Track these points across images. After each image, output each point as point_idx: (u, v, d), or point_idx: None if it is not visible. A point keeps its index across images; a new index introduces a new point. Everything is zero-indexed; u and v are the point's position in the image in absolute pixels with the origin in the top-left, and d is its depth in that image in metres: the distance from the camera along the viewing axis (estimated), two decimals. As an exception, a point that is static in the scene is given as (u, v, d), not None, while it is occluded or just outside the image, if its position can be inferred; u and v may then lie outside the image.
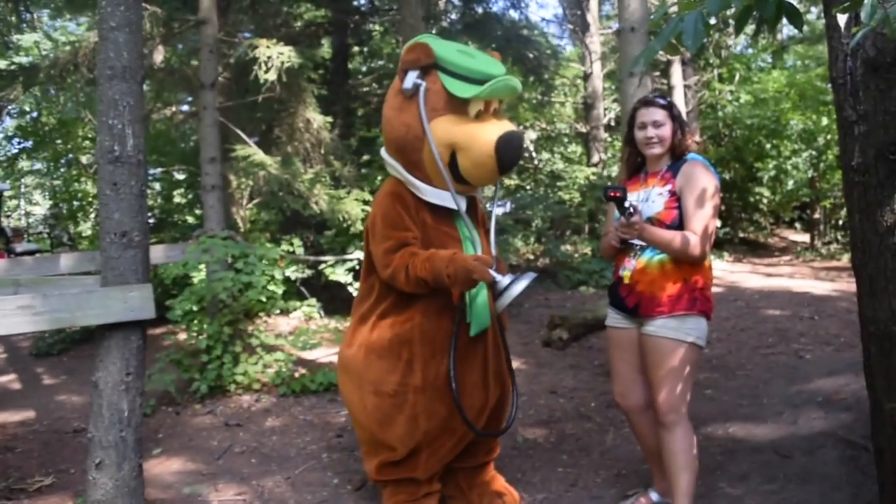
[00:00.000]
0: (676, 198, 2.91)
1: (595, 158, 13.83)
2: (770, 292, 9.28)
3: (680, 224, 2.90)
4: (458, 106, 2.82)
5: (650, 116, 2.98)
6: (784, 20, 1.94)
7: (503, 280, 2.84)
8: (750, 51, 17.09)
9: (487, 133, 2.78)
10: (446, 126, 2.81)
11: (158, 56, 8.64)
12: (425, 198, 2.91)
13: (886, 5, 2.06)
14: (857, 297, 3.07)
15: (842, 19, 2.81)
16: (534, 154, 15.14)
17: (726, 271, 11.78)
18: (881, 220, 2.85)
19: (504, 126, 2.83)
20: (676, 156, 3.02)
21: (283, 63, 6.87)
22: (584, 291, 9.77)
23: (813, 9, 14.32)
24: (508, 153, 2.78)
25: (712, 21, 2.21)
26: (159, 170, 10.98)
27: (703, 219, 2.86)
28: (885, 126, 2.81)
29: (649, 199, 2.96)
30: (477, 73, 2.80)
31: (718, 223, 12.32)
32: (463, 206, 2.91)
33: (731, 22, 14.13)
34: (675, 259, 2.88)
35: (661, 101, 2.99)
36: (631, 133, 3.09)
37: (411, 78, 2.84)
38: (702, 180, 2.90)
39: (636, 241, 2.91)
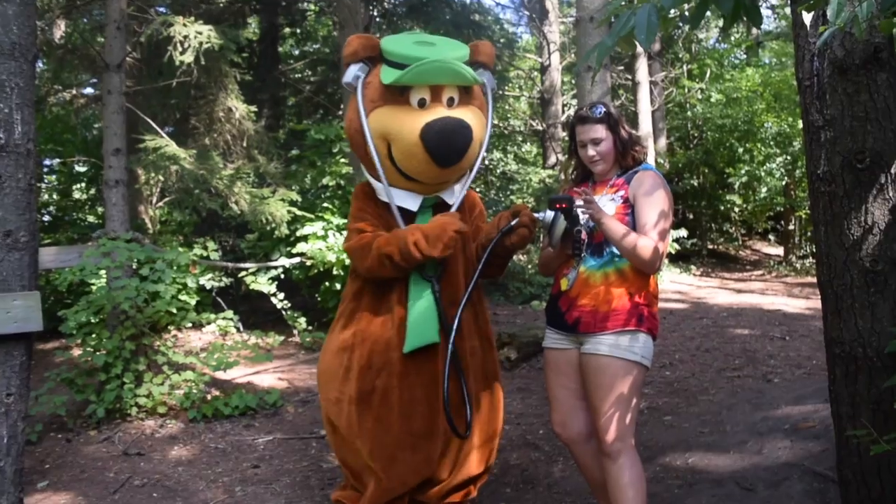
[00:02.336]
0: (629, 205, 2.98)
1: (552, 160, 14.00)
2: (739, 310, 9.52)
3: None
4: (395, 96, 2.93)
5: (588, 134, 3.06)
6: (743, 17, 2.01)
7: (547, 215, 2.93)
8: (723, 46, 17.52)
9: (416, 120, 2.87)
10: (381, 117, 2.94)
11: (58, 31, 8.49)
12: (379, 196, 3.09)
13: (853, 4, 2.16)
14: (823, 317, 3.18)
15: (808, 17, 2.91)
16: (484, 153, 15.26)
17: (693, 286, 12.03)
18: (847, 233, 2.96)
19: (443, 114, 2.90)
20: (626, 166, 3.10)
21: (201, 44, 6.81)
22: (536, 307, 9.88)
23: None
24: (436, 141, 2.85)
25: (673, 14, 2.28)
26: (56, 161, 10.76)
27: (661, 230, 2.93)
28: (853, 132, 2.92)
29: (599, 205, 3.02)
30: (412, 59, 2.87)
31: (685, 233, 12.60)
32: (411, 203, 3.04)
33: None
34: (621, 271, 2.94)
35: (597, 114, 3.06)
36: (574, 145, 3.17)
37: (352, 71, 3.00)
38: (657, 192, 2.98)
39: (580, 252, 2.97)
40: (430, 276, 3.01)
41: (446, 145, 2.87)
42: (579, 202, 2.88)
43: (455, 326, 2.98)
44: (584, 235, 2.96)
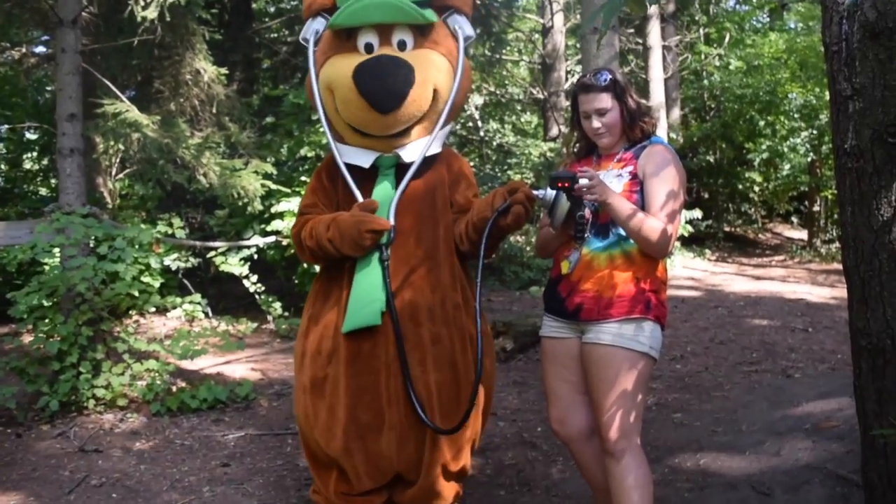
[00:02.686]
0: (638, 181, 3.00)
1: (554, 131, 14.00)
2: (758, 298, 9.57)
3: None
4: (343, 42, 2.98)
5: (591, 104, 3.05)
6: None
7: (549, 192, 2.91)
8: (744, 8, 17.50)
9: (351, 63, 2.89)
10: (329, 67, 3.00)
11: (5, -18, 8.43)
12: (339, 158, 3.09)
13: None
14: (848, 305, 3.20)
15: (836, -26, 2.91)
16: (479, 123, 15.24)
17: (707, 272, 12.08)
18: (876, 213, 2.98)
19: (381, 53, 2.92)
20: (634, 139, 3.11)
21: (165, -2, 6.77)
22: (534, 293, 9.91)
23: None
24: (367, 81, 2.84)
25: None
26: (4, 127, 10.71)
27: (670, 211, 2.94)
28: (884, 103, 2.93)
29: (605, 181, 3.02)
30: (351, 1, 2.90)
31: (699, 214, 12.64)
32: (362, 160, 3.05)
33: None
34: (627, 254, 2.96)
35: (602, 82, 3.05)
36: (577, 116, 3.18)
37: (309, 26, 3.08)
38: (668, 168, 2.99)
39: (583, 233, 2.97)
40: (378, 244, 2.97)
41: (379, 85, 2.85)
42: (583, 181, 2.86)
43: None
44: (587, 215, 2.96)
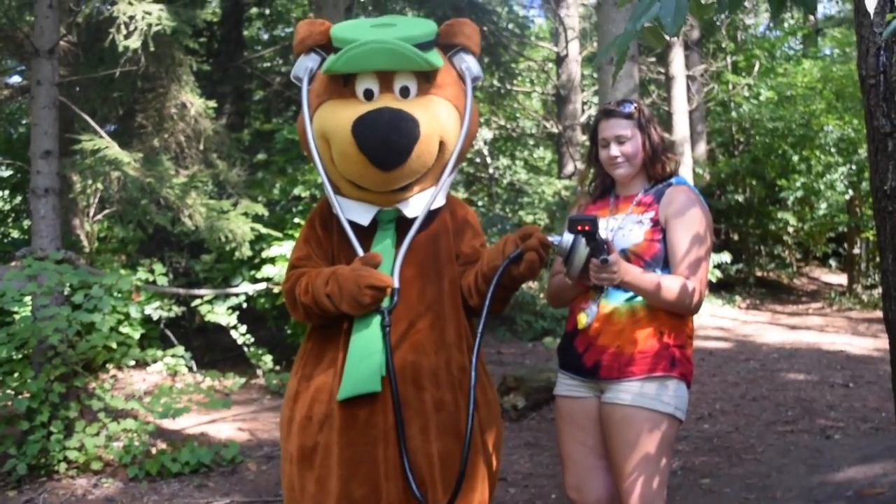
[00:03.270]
0: (660, 229, 3.01)
1: (569, 168, 14.09)
2: (793, 350, 9.54)
3: (664, 262, 2.99)
4: (339, 87, 2.94)
5: (612, 130, 3.09)
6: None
7: (565, 239, 2.88)
8: (775, 34, 17.63)
9: (350, 113, 2.84)
10: (324, 113, 2.95)
11: (-23, 9, 8.54)
12: (334, 210, 3.04)
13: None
14: (891, 361, 3.19)
15: (872, 2, 2.93)
16: (488, 160, 15.32)
17: (738, 321, 12.06)
18: (920, 261, 2.98)
19: (384, 105, 2.86)
20: (655, 177, 3.13)
21: (150, 26, 6.83)
22: (548, 344, 9.90)
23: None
24: (367, 136, 2.79)
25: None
26: (-27, 164, 10.80)
27: (697, 260, 2.95)
28: (927, 141, 2.95)
29: (624, 228, 3.04)
30: (350, 41, 2.87)
31: (728, 258, 12.64)
32: (362, 217, 3.00)
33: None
34: (651, 307, 2.95)
35: (625, 109, 3.11)
36: (595, 148, 3.21)
37: (302, 63, 3.04)
38: (692, 212, 3.00)
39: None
40: (380, 308, 2.90)
41: (380, 141, 2.81)
42: (603, 232, 2.86)
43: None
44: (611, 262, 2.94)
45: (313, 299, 2.87)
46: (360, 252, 2.93)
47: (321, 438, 2.91)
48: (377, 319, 2.88)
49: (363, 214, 3.00)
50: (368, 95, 2.91)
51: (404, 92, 2.93)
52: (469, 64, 3.10)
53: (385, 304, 2.88)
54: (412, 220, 3.01)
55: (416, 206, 3.03)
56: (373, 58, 2.85)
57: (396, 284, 2.90)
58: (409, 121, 2.83)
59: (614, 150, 3.09)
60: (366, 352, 2.88)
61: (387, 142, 2.81)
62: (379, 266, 2.87)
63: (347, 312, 2.83)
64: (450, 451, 2.92)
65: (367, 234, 3.02)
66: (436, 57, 2.97)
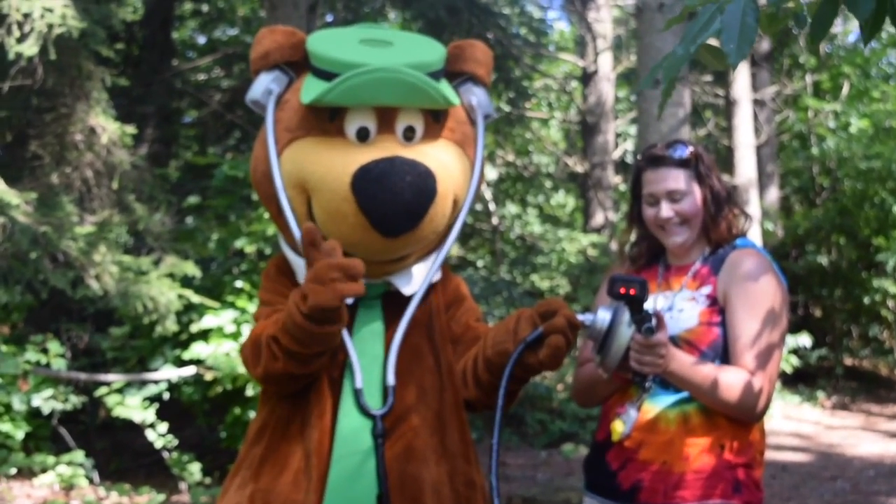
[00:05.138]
0: (719, 309, 3.01)
1: (598, 218, 14.11)
2: (895, 466, 9.51)
3: (724, 351, 2.99)
4: (322, 122, 2.87)
5: (662, 184, 3.07)
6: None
7: (601, 317, 2.83)
8: (871, 45, 17.78)
9: (348, 162, 2.79)
10: (299, 154, 2.88)
11: None
12: (298, 278, 2.98)
13: None
14: None
15: None
16: (491, 206, 15.34)
17: (821, 425, 12.05)
18: None
19: (391, 152, 2.82)
20: (718, 240, 3.12)
21: (51, 27, 6.90)
22: (568, 453, 9.85)
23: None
24: (374, 195, 2.75)
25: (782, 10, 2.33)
26: None
27: (768, 348, 2.94)
28: None
29: (674, 307, 3.05)
30: (347, 65, 2.80)
31: (808, 342, 12.65)
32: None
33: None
34: (707, 411, 2.95)
35: (678, 155, 3.08)
36: (638, 204, 3.19)
37: (261, 83, 2.95)
38: (761, 284, 3.00)
39: (645, 377, 2.97)
40: (370, 409, 2.86)
41: (391, 201, 2.76)
42: (652, 304, 2.85)
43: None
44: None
45: (282, 323, 2.70)
46: (346, 337, 2.91)
47: None
48: (367, 425, 2.84)
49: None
50: (363, 136, 2.84)
51: (408, 134, 2.89)
52: (480, 99, 3.09)
53: (376, 407, 2.85)
54: (403, 297, 2.99)
55: (409, 279, 3.01)
56: (379, 90, 2.79)
57: (392, 380, 2.88)
58: (428, 176, 2.81)
59: (666, 210, 3.05)
60: (354, 466, 2.84)
61: (399, 201, 2.77)
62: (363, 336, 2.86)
63: (320, 305, 2.68)
64: None
65: (347, 313, 2.97)
66: (450, 91, 2.95)
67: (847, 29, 18.13)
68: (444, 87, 2.92)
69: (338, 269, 2.61)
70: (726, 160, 13.80)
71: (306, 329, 2.64)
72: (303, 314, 2.62)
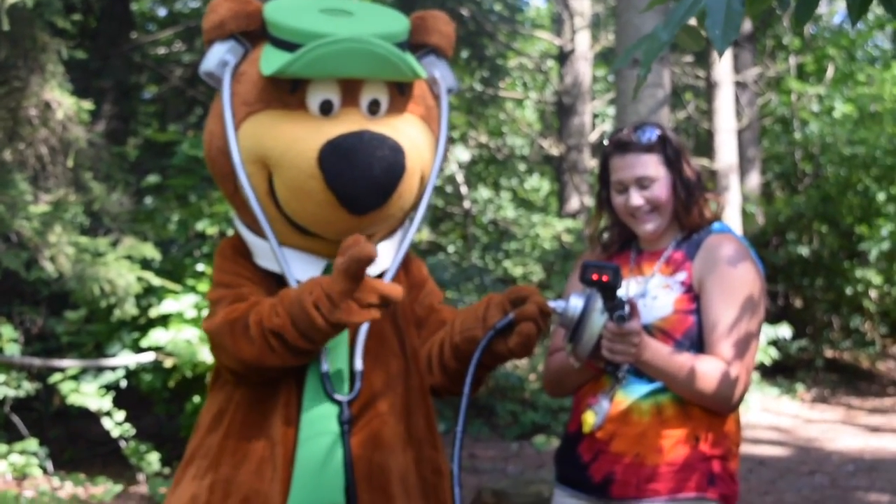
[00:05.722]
0: (694, 296, 3.04)
1: (573, 203, 14.13)
2: (875, 462, 9.60)
3: (699, 340, 3.02)
4: (283, 95, 2.86)
5: (631, 171, 3.08)
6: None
7: (573, 304, 2.86)
8: (854, 27, 17.83)
9: (313, 136, 2.79)
10: (258, 129, 2.87)
11: None
12: (255, 259, 2.98)
13: None
14: None
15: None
16: (463, 189, 15.34)
17: (800, 419, 12.14)
18: None
19: (358, 126, 2.83)
20: (690, 226, 3.14)
21: (4, -2, 6.89)
22: (540, 445, 9.90)
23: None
24: (342, 170, 2.75)
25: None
26: None
27: (740, 337, 2.98)
28: None
29: (647, 294, 3.08)
30: (309, 35, 2.79)
31: (787, 333, 12.73)
32: (307, 271, 2.92)
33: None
34: (681, 400, 2.98)
35: (647, 139, 3.09)
36: (607, 190, 3.22)
37: (215, 54, 2.92)
38: (739, 271, 3.04)
39: (618, 366, 3.01)
40: (337, 395, 2.87)
41: (360, 178, 2.77)
42: (625, 291, 2.87)
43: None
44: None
45: (289, 317, 2.68)
46: None
47: None
48: (333, 411, 2.85)
49: (307, 270, 2.92)
50: (326, 109, 2.84)
51: (373, 107, 2.89)
52: (443, 72, 3.12)
53: (342, 393, 2.86)
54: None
55: (379, 258, 2.88)
56: (346, 61, 2.78)
57: (359, 365, 2.90)
58: (398, 152, 2.81)
59: (636, 197, 3.06)
60: (320, 454, 2.84)
61: (368, 177, 2.76)
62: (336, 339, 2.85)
63: (342, 321, 2.64)
64: None
65: None
66: (417, 64, 2.93)
67: (833, 9, 18.19)
68: (409, 58, 2.91)
69: (379, 295, 2.63)
70: (706, 144, 13.87)
71: (322, 332, 2.66)
72: (328, 321, 2.62)
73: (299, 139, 2.79)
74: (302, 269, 2.92)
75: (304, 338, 2.68)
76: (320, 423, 2.86)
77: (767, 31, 16.70)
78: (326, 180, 2.75)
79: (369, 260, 2.56)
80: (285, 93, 2.84)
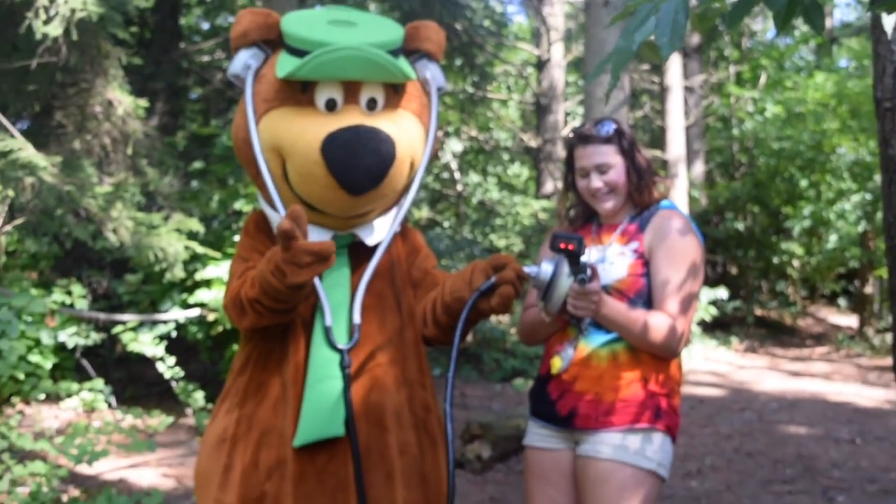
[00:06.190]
0: (644, 262, 3.07)
1: (548, 186, 14.14)
2: (794, 400, 9.65)
3: (649, 299, 3.05)
4: (295, 94, 2.91)
5: (591, 159, 3.14)
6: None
7: (544, 269, 2.91)
8: (785, 41, 17.82)
9: (317, 129, 2.85)
10: (274, 122, 2.93)
11: None
12: (274, 231, 2.99)
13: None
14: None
15: (890, 20, 3.01)
16: (456, 175, 15.36)
17: (733, 365, 12.17)
18: (934, 306, 3.06)
19: (356, 121, 2.88)
20: (641, 204, 3.18)
21: (73, 11, 6.84)
22: (519, 387, 9.92)
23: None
24: (341, 158, 2.80)
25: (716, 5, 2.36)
26: None
27: (684, 296, 3.01)
28: (945, 173, 3.03)
29: (606, 260, 3.10)
30: (316, 44, 2.84)
31: (724, 294, 12.77)
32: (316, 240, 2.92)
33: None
34: (633, 350, 3.02)
35: (605, 132, 3.15)
36: (572, 175, 3.25)
37: (240, 59, 2.98)
38: (683, 241, 3.07)
39: (581, 320, 3.03)
40: (338, 344, 2.92)
41: (355, 164, 2.83)
42: (587, 257, 2.91)
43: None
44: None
45: (260, 287, 2.77)
46: (318, 284, 2.93)
47: (269, 488, 2.86)
48: (335, 358, 2.89)
49: (316, 239, 2.92)
50: (331, 106, 2.88)
51: (371, 104, 2.93)
52: (434, 73, 3.14)
53: (343, 342, 2.90)
54: (367, 247, 3.05)
55: (376, 230, 3.07)
56: (346, 66, 2.84)
57: (358, 319, 2.93)
58: (387, 142, 2.86)
59: (596, 181, 3.13)
60: (325, 393, 2.87)
61: (363, 164, 2.83)
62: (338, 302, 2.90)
63: (295, 282, 2.69)
64: (416, 500, 2.93)
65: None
66: (409, 67, 2.99)
67: (766, 27, 18.19)
68: (403, 63, 2.97)
69: (311, 254, 2.65)
70: (660, 138, 13.88)
71: (286, 294, 2.72)
72: (285, 285, 2.68)
73: (306, 132, 2.84)
74: (312, 239, 2.89)
75: (277, 300, 2.76)
76: (324, 368, 2.90)
77: (712, 44, 16.69)
78: (328, 167, 2.80)
79: (285, 232, 2.59)
80: (297, 92, 2.89)
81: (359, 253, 3.07)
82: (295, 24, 2.97)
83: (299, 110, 2.90)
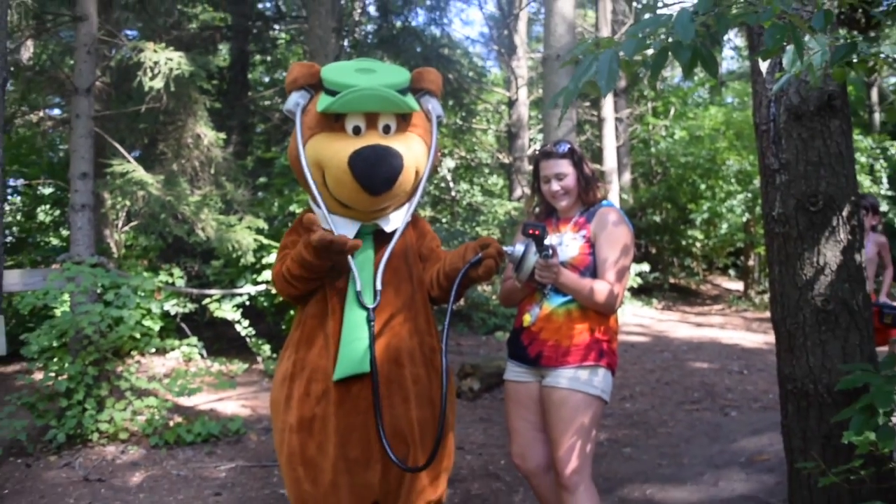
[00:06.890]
0: (590, 244, 3.08)
1: (518, 192, 14.15)
2: (699, 343, 9.66)
3: (594, 271, 3.05)
4: (331, 123, 2.97)
5: (552, 169, 3.17)
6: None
7: (518, 248, 2.98)
8: (687, 84, 17.87)
9: (346, 148, 2.91)
10: (317, 144, 2.98)
11: (26, 52, 8.45)
12: (321, 224, 3.03)
13: (808, 53, 2.27)
14: (776, 354, 3.28)
15: (765, 65, 3.03)
16: (451, 185, 15.36)
17: (654, 319, 12.18)
18: (800, 273, 3.07)
19: (374, 141, 2.95)
20: (588, 202, 3.20)
21: (171, 70, 6.83)
22: (499, 337, 9.94)
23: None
24: (362, 168, 2.88)
25: (635, 59, 2.36)
26: (21, 182, 10.65)
27: (619, 269, 3.03)
28: (807, 176, 3.04)
29: (563, 243, 3.11)
30: (345, 86, 2.92)
31: (647, 268, 12.79)
32: (348, 231, 3.03)
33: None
34: (583, 307, 3.03)
35: (561, 150, 3.18)
36: (538, 182, 3.28)
37: (293, 99, 3.04)
38: (618, 229, 3.08)
39: (544, 286, 3.04)
40: (366, 304, 2.99)
41: (373, 173, 2.90)
42: (549, 241, 2.94)
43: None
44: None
45: (297, 261, 2.90)
46: (350, 260, 2.98)
47: (318, 410, 2.95)
48: (364, 315, 2.95)
49: (349, 228, 3.03)
50: (356, 131, 2.94)
51: (386, 129, 2.99)
52: (434, 105, 3.18)
53: (369, 303, 2.95)
54: (388, 233, 3.10)
55: (392, 221, 3.11)
56: (366, 102, 2.90)
57: (379, 286, 2.98)
58: (396, 156, 2.91)
59: (555, 185, 3.16)
60: (356, 341, 2.93)
61: (379, 172, 2.88)
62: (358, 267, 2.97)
63: (322, 257, 2.86)
64: (426, 418, 3.02)
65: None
66: (412, 101, 3.04)
67: (674, 73, 18.17)
68: (410, 98, 3.03)
69: (316, 229, 2.79)
70: (598, 156, 13.84)
71: (311, 262, 2.86)
72: (315, 256, 2.84)
73: (339, 150, 2.90)
74: (345, 228, 3.03)
75: (307, 270, 2.91)
76: (356, 322, 2.96)
77: (635, 86, 16.63)
78: (354, 175, 2.87)
79: (318, 240, 2.75)
80: (332, 121, 2.95)
81: (380, 238, 3.11)
82: (331, 72, 3.04)
83: (334, 135, 2.96)
